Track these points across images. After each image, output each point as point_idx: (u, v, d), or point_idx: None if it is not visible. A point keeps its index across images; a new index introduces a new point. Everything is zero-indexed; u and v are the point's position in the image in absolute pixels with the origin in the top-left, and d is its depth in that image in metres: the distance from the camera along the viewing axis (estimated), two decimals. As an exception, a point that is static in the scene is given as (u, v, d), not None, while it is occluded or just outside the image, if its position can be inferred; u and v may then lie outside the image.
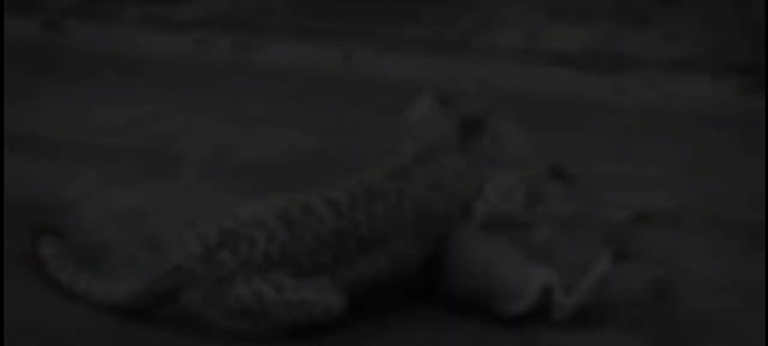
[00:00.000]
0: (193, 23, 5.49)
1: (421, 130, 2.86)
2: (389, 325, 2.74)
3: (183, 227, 2.87)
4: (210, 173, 3.72)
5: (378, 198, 2.70)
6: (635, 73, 4.70)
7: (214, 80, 4.76)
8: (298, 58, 5.02)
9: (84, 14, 5.63)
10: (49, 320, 2.77)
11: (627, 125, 4.21)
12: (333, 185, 2.75)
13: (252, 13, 5.58)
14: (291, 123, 4.18)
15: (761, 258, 3.04)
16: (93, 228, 3.26)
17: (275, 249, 2.64)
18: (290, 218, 2.68)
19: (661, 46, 4.93)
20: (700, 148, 3.92)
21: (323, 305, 2.62)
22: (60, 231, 3.01)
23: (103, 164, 3.77)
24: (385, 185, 2.73)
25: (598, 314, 2.83)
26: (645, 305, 2.90)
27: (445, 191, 2.79)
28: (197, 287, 2.64)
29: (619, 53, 4.89)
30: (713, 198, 3.52)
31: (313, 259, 2.66)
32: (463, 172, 2.83)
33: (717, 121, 4.19)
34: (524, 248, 2.85)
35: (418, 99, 2.94)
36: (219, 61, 5.04)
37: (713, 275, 3.03)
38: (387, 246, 2.71)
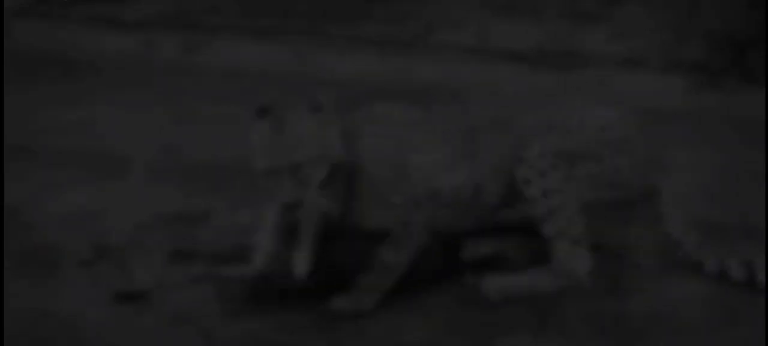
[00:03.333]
0: (140, 23, 5.47)
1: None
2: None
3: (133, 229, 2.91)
4: (159, 174, 3.73)
5: None
6: (586, 70, 4.73)
7: (163, 80, 4.77)
8: (249, 57, 5.03)
9: (28, 13, 5.61)
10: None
11: None
12: None
13: (201, 12, 5.56)
14: (240, 123, 4.16)
15: (710, 251, 3.03)
16: (40, 231, 3.28)
17: None
18: None
19: (611, 43, 4.97)
20: (648, 144, 3.92)
21: None
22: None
23: (49, 166, 3.78)
24: None
25: (549, 311, 2.88)
26: (594, 299, 2.94)
27: None
28: None
29: (569, 51, 4.92)
30: (664, 194, 3.41)
31: None
32: None
33: (664, 117, 4.09)
34: None
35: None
36: (167, 61, 5.04)
37: (664, 269, 3.07)
38: None
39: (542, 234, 2.96)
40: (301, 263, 2.90)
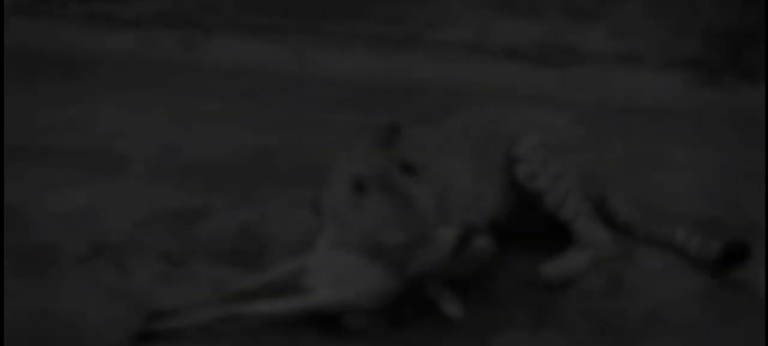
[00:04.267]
0: (138, 21, 5.46)
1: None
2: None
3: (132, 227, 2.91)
4: (157, 173, 3.73)
5: None
6: (585, 67, 4.74)
7: (160, 79, 4.75)
8: (246, 55, 5.03)
9: (28, 12, 5.60)
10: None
11: (573, 118, 4.17)
12: None
13: (199, 10, 5.55)
14: (239, 121, 4.18)
15: (714, 253, 3.05)
16: (39, 230, 3.29)
17: None
18: None
19: (610, 41, 4.97)
20: (646, 143, 3.94)
21: None
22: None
23: (48, 165, 3.78)
24: None
25: (548, 308, 2.90)
26: (596, 298, 2.96)
27: None
28: None
29: (569, 47, 4.92)
30: (663, 193, 3.54)
31: None
32: None
33: (662, 115, 4.22)
34: None
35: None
36: (165, 60, 5.03)
37: (665, 268, 3.08)
38: None
39: (560, 220, 2.98)
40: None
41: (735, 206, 3.43)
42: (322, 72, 4.79)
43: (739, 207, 3.42)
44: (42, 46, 5.20)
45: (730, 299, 2.95)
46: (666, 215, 3.29)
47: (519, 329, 2.84)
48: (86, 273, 3.07)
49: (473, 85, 4.53)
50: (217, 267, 3.10)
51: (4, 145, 3.96)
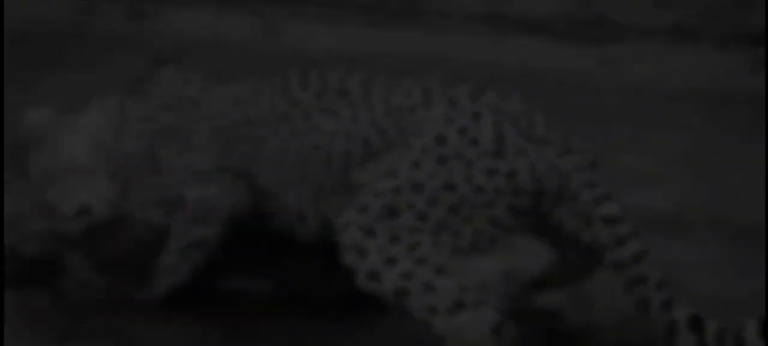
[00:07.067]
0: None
1: None
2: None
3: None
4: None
5: None
6: (621, 44, 4.77)
7: (103, 57, 4.73)
8: (206, 27, 5.06)
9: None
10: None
11: (612, 107, 4.21)
12: None
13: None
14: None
15: None
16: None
17: None
18: None
19: (653, 12, 5.00)
20: (701, 135, 3.97)
21: None
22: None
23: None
24: None
25: (584, 338, 2.87)
26: (636, 327, 2.84)
27: None
28: None
29: (601, 20, 4.97)
30: (718, 197, 3.56)
31: None
32: None
33: (721, 101, 4.26)
34: None
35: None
36: (109, 34, 5.05)
37: (717, 290, 3.05)
38: None
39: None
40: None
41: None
42: (301, 49, 4.78)
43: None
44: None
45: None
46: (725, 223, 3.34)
47: None
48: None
49: (485, 65, 4.49)
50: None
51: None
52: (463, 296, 2.56)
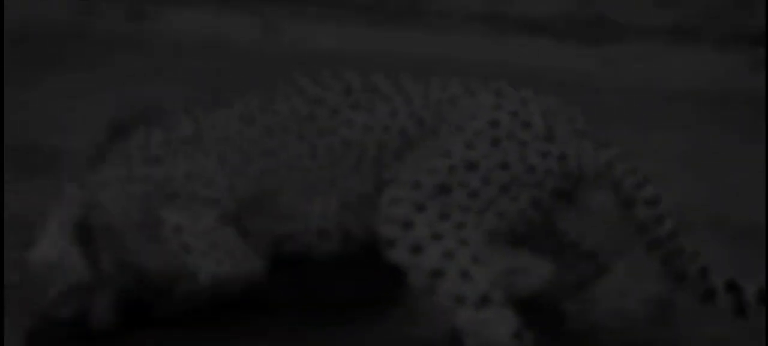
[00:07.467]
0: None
1: None
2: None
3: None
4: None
5: None
6: (621, 44, 4.78)
7: (103, 57, 4.72)
8: (206, 28, 5.07)
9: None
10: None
11: (612, 107, 4.21)
12: None
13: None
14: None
15: None
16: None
17: None
18: None
19: (653, 12, 5.01)
20: (701, 135, 3.97)
21: None
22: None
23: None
24: None
25: (587, 339, 2.87)
26: (641, 328, 2.92)
27: None
28: None
29: (601, 20, 4.98)
30: (718, 197, 3.56)
31: None
32: None
33: (721, 101, 4.26)
34: None
35: None
36: (109, 34, 5.05)
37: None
38: None
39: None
40: None
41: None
42: (301, 49, 4.79)
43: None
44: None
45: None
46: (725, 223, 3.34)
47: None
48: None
49: (485, 65, 4.46)
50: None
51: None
52: (492, 293, 2.59)
